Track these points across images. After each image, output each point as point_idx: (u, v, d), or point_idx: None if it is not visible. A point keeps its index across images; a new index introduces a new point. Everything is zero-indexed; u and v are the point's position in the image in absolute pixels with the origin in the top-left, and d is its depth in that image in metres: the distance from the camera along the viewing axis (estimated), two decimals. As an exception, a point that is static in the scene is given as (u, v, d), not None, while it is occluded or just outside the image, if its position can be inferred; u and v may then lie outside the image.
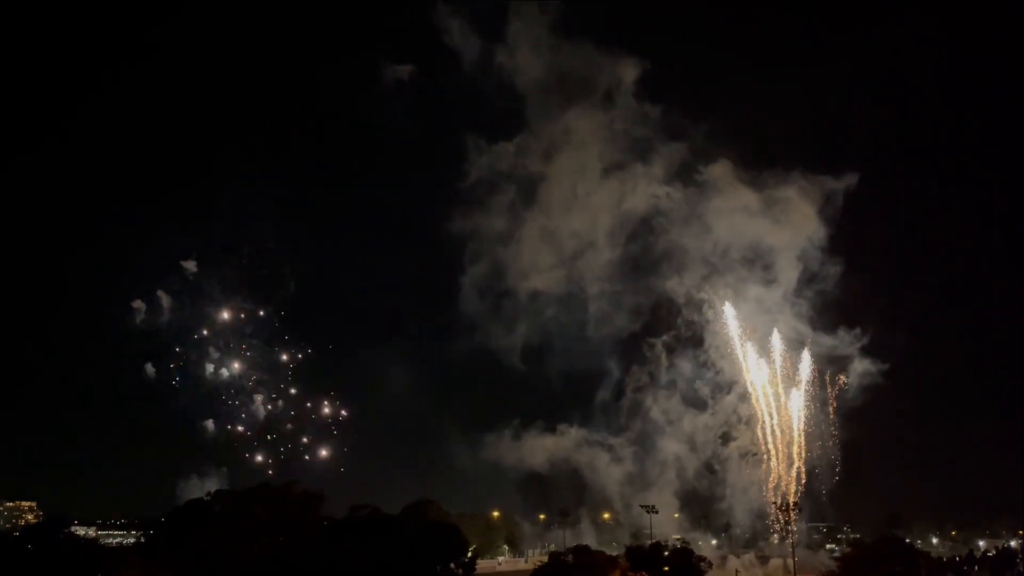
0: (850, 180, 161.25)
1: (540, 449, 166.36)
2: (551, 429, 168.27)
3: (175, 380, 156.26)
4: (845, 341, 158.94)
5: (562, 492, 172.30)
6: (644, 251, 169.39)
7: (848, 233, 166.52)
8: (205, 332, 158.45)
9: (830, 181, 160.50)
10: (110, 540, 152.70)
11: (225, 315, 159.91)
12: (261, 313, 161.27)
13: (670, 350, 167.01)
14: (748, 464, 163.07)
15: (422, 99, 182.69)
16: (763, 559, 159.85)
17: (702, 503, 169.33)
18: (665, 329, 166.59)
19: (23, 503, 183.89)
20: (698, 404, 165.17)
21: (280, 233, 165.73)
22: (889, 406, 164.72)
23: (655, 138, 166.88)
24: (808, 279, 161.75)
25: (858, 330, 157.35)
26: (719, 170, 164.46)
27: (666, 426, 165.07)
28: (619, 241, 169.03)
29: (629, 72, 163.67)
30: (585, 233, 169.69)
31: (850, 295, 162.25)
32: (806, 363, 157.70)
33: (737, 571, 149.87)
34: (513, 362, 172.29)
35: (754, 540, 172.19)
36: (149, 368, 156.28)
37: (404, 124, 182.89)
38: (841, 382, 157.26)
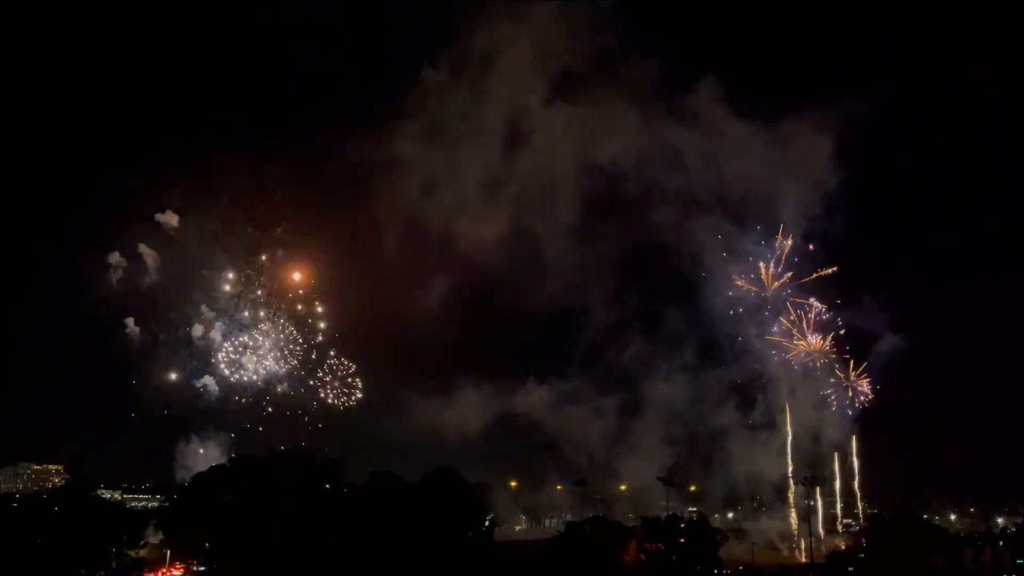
0: (871, 112, 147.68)
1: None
2: (519, 386, 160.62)
3: (162, 340, 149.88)
4: (861, 308, 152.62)
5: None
6: (613, 189, 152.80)
7: (867, 178, 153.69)
8: (192, 291, 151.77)
9: (845, 111, 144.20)
10: (135, 504, 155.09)
11: (211, 272, 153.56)
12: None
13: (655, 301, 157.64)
14: (752, 434, 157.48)
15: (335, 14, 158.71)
16: (738, 532, 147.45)
17: (698, 474, 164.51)
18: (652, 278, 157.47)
19: (51, 466, 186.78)
20: (692, 366, 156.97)
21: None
22: (906, 380, 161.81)
23: (623, 53, 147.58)
24: (815, 232, 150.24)
25: (875, 297, 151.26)
26: (704, 95, 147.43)
27: (656, 387, 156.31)
28: (584, 177, 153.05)
29: None
30: (545, 168, 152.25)
31: (867, 256, 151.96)
32: (815, 327, 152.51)
33: None
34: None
35: (768, 514, 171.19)
36: (131, 325, 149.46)
37: (315, 43, 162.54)
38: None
